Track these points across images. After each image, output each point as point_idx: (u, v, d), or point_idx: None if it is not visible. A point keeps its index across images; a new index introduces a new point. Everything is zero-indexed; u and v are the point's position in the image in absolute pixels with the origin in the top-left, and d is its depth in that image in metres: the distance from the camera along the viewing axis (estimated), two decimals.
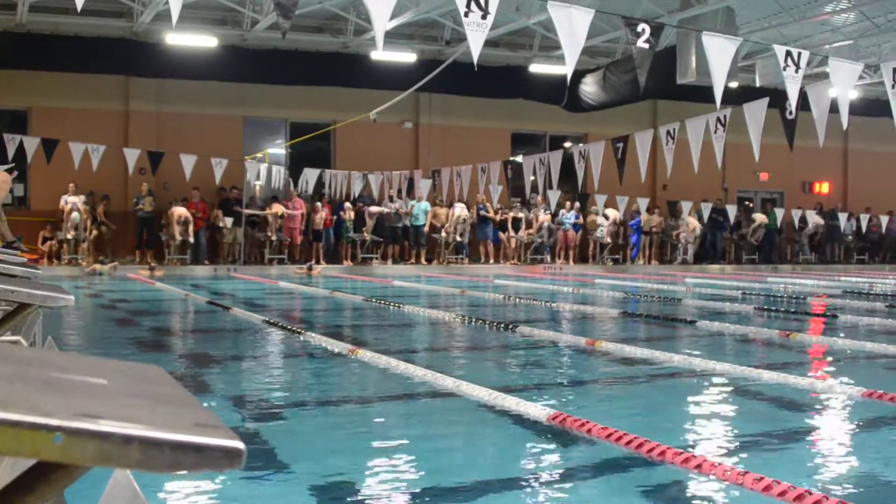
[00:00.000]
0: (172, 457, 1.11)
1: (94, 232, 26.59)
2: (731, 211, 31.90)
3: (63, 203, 26.09)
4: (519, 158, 26.01)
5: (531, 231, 30.90)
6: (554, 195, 28.17)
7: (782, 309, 15.57)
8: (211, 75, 28.23)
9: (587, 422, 5.72)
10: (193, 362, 9.25)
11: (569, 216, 31.29)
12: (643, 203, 30.49)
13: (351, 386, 8.08)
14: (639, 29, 12.46)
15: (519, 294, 18.31)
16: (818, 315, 14.97)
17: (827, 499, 4.15)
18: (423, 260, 29.65)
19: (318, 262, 27.64)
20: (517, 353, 10.41)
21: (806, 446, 5.93)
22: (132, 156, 25.34)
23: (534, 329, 11.77)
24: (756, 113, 16.43)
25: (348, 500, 4.54)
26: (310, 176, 28.72)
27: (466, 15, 10.57)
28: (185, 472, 1.13)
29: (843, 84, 14.43)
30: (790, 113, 15.77)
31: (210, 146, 27.02)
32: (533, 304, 16.43)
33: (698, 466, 4.86)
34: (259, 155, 29.05)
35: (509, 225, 30.94)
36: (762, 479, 4.42)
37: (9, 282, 4.29)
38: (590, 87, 28.94)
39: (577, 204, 31.31)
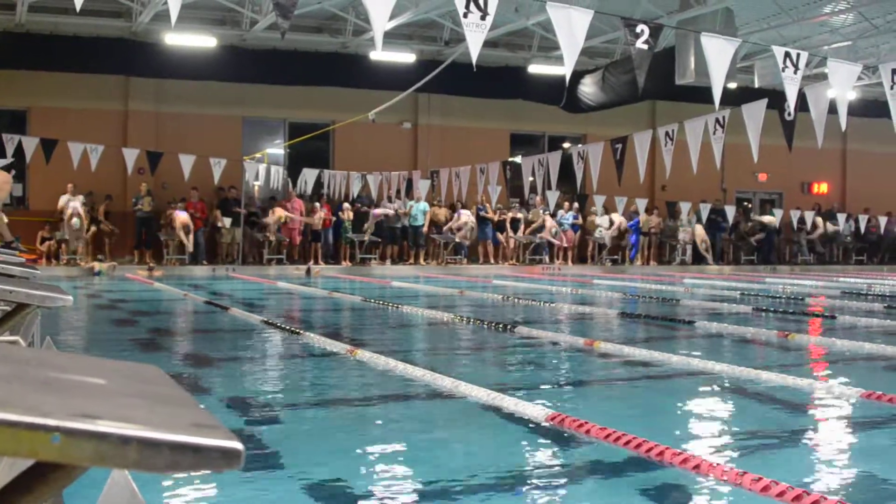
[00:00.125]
0: (170, 457, 1.11)
1: (93, 229, 26.56)
2: (730, 212, 31.88)
3: (62, 203, 26.08)
4: (518, 159, 26.01)
5: (539, 234, 30.85)
6: (553, 196, 28.15)
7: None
8: (210, 75, 28.21)
9: (585, 422, 5.72)
10: (192, 363, 9.26)
11: (567, 217, 31.29)
12: (642, 204, 30.48)
13: (349, 386, 8.08)
14: (638, 30, 12.46)
15: (517, 294, 18.30)
16: (817, 316, 14.98)
17: (825, 499, 4.15)
18: (421, 260, 29.65)
19: (316, 263, 27.63)
20: (516, 353, 10.41)
21: (804, 447, 5.94)
22: (131, 156, 25.30)
23: (532, 329, 11.77)
24: (755, 114, 16.42)
25: (347, 500, 4.54)
26: (308, 176, 28.70)
27: (465, 15, 10.57)
28: (183, 472, 1.13)
29: (842, 85, 14.43)
30: (789, 114, 15.77)
31: (209, 146, 27.00)
32: (531, 304, 16.43)
33: (697, 467, 4.86)
34: (258, 155, 29.03)
35: (507, 225, 30.94)
36: (760, 479, 4.42)
37: (7, 282, 4.29)
38: (589, 88, 28.93)
39: (576, 204, 31.32)
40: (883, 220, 33.98)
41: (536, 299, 17.02)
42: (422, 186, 29.00)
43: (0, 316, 4.46)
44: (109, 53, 27.20)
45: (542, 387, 7.91)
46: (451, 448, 5.70)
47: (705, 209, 31.11)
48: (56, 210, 26.34)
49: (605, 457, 5.31)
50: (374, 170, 29.31)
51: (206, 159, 25.90)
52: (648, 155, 20.04)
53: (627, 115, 29.78)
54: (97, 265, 24.48)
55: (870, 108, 28.67)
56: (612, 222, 31.08)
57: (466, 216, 29.38)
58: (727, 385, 7.91)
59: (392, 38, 26.43)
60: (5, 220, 16.05)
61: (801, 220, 32.34)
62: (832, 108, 15.10)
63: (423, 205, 29.65)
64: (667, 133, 18.87)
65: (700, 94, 18.71)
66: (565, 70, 11.89)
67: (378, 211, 28.81)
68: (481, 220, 30.37)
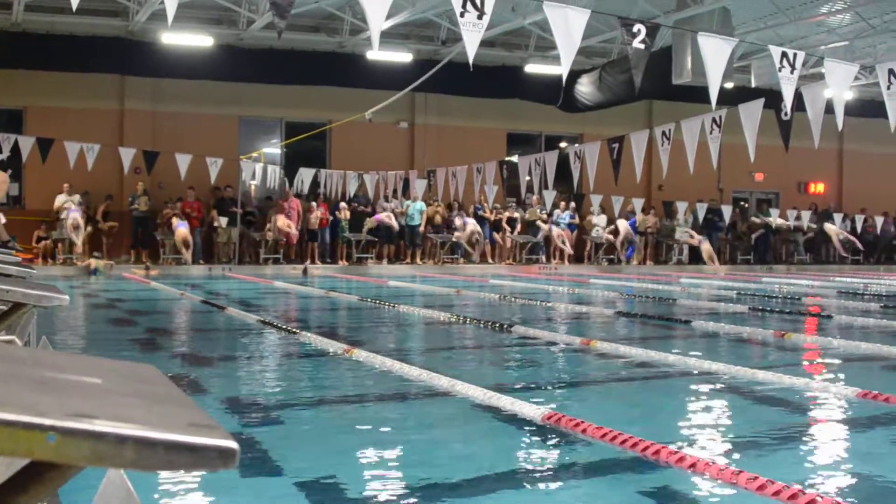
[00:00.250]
0: (166, 457, 1.11)
1: (89, 229, 26.54)
2: (727, 211, 31.92)
3: (58, 203, 26.10)
4: (514, 158, 26.01)
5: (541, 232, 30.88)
6: (549, 195, 28.16)
7: (777, 309, 15.58)
8: (206, 75, 28.21)
9: (581, 421, 5.73)
10: (188, 362, 9.25)
11: (563, 216, 31.31)
12: (638, 203, 30.49)
13: (346, 386, 8.07)
14: (634, 29, 12.46)
15: (514, 294, 18.30)
16: (813, 315, 14.99)
17: (821, 498, 4.16)
18: (418, 260, 29.66)
19: (313, 262, 27.62)
20: (512, 352, 10.42)
21: (800, 446, 5.94)
22: (127, 155, 25.27)
23: (529, 329, 11.77)
24: (751, 113, 16.44)
25: (343, 500, 4.54)
26: (305, 176, 28.68)
27: (462, 15, 10.57)
28: (179, 471, 1.13)
29: (839, 85, 14.44)
30: (785, 114, 15.77)
31: (205, 146, 27.00)
32: (528, 304, 16.43)
33: (692, 466, 4.86)
34: (255, 154, 29.02)
35: (504, 225, 30.97)
36: (756, 478, 4.43)
37: (3, 281, 4.28)
38: (585, 88, 28.93)
39: (573, 204, 31.34)
40: (879, 220, 34.01)
41: (533, 299, 17.02)
42: (418, 186, 29.00)
43: None
44: (106, 53, 27.20)
45: (539, 386, 7.91)
46: (447, 448, 5.70)
47: (702, 209, 31.13)
48: (52, 210, 26.33)
49: (602, 456, 5.31)
50: (371, 169, 29.31)
51: (203, 159, 25.90)
52: (645, 154, 20.06)
53: (624, 114, 29.81)
54: (94, 262, 24.44)
55: (866, 108, 28.69)
56: (617, 231, 30.99)
57: (473, 225, 29.34)
58: (723, 385, 7.91)
59: (389, 37, 26.43)
60: (3, 219, 16.05)
61: (799, 218, 32.40)
62: (829, 108, 15.11)
63: (420, 204, 29.66)
64: (663, 133, 18.87)
65: (697, 94, 18.72)
66: (562, 69, 11.90)
67: (382, 216, 28.71)
68: (479, 220, 30.40)
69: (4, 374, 1.37)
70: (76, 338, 11.36)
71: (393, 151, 31.45)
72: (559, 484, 4.86)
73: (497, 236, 30.95)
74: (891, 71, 13.77)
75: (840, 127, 14.61)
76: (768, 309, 15.36)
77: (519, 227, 31.25)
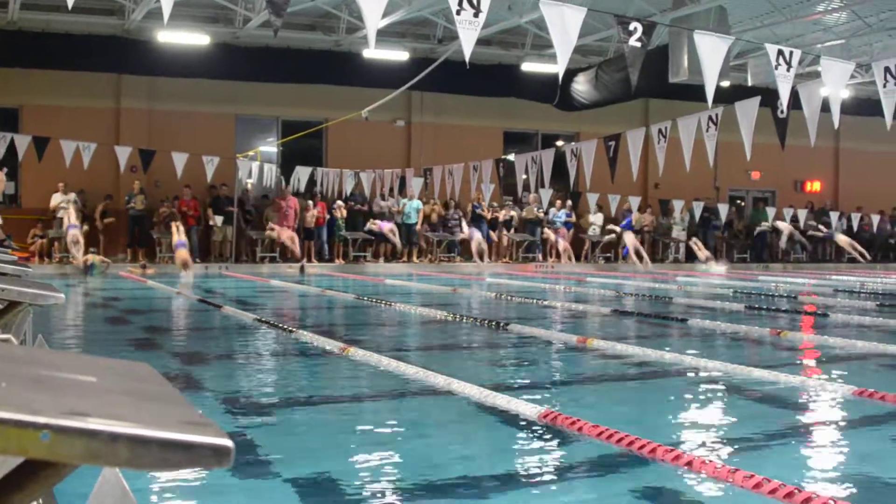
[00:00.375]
0: (160, 455, 1.11)
1: (85, 227, 26.51)
2: (723, 210, 31.94)
3: (54, 202, 26.10)
4: (511, 157, 26.01)
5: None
6: (546, 193, 28.15)
7: (773, 307, 15.58)
8: (203, 73, 28.16)
9: (578, 420, 5.73)
10: (185, 361, 9.24)
11: (559, 214, 31.32)
12: (635, 202, 30.48)
13: (342, 384, 8.06)
14: (631, 28, 12.46)
15: (511, 292, 18.30)
16: (809, 313, 15.00)
17: (817, 496, 4.16)
18: (415, 258, 29.66)
19: (309, 261, 27.60)
20: (509, 351, 10.42)
21: (796, 444, 5.95)
22: (123, 154, 25.23)
23: (525, 327, 11.77)
24: (748, 112, 16.44)
25: (339, 498, 4.54)
26: (302, 174, 28.66)
27: (458, 13, 10.56)
28: (173, 470, 1.13)
29: (835, 83, 14.44)
30: (781, 112, 15.78)
31: (202, 144, 26.98)
32: (525, 302, 16.43)
33: (689, 464, 4.87)
34: (251, 153, 29.00)
35: (500, 223, 31.01)
36: (752, 476, 4.43)
37: None
38: (582, 86, 28.93)
39: (570, 202, 31.35)
40: (875, 219, 34.04)
41: (530, 297, 17.03)
42: (415, 184, 28.99)
43: None
44: (102, 51, 27.16)
45: (535, 385, 7.92)
46: (444, 446, 5.70)
47: (698, 207, 31.15)
48: (48, 209, 26.31)
49: (598, 454, 5.32)
50: (368, 168, 29.28)
51: (199, 157, 25.88)
52: (641, 153, 20.09)
53: (621, 112, 29.81)
54: (91, 257, 24.36)
55: (863, 106, 28.67)
56: (622, 241, 30.85)
57: (477, 235, 29.29)
58: (719, 382, 7.92)
59: (385, 35, 26.41)
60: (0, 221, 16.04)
61: (794, 218, 32.39)
62: (825, 107, 15.11)
63: (417, 203, 29.68)
64: (660, 131, 18.88)
65: (693, 92, 18.75)
66: (558, 68, 11.89)
67: (385, 228, 28.50)
68: (476, 218, 30.43)
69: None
70: (72, 336, 11.35)
71: (389, 150, 31.44)
72: (556, 482, 4.86)
73: (493, 234, 30.95)
74: (887, 69, 13.78)
75: (836, 125, 14.62)
76: (764, 307, 15.36)
77: (515, 225, 31.28)
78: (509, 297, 17.23)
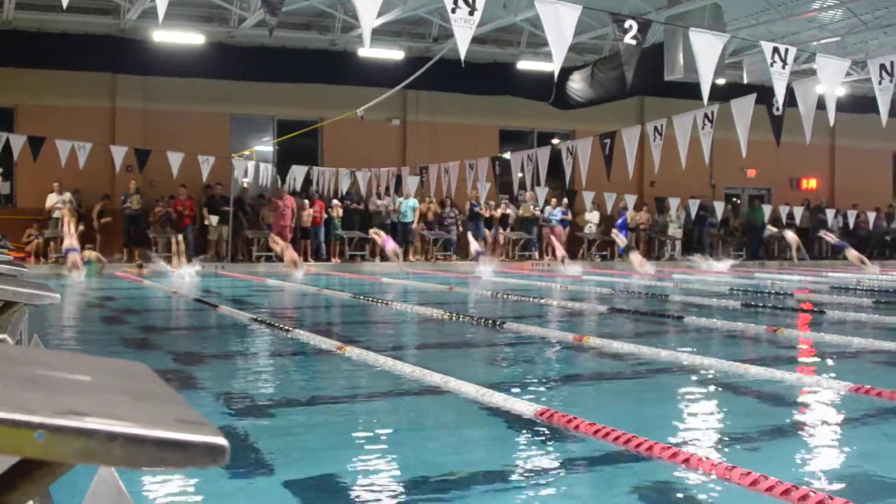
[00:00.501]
0: (155, 453, 1.11)
1: (80, 227, 26.50)
2: (719, 207, 31.96)
3: (50, 203, 26.11)
4: (507, 155, 26.02)
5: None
6: (542, 192, 28.16)
7: (770, 305, 15.59)
8: (198, 72, 28.13)
9: (574, 418, 5.73)
10: (181, 360, 9.24)
11: (555, 213, 31.33)
12: (631, 200, 30.48)
13: (338, 383, 8.07)
14: (626, 25, 12.46)
15: (507, 290, 18.29)
16: (805, 311, 15.01)
17: (814, 493, 4.16)
18: (411, 257, 29.65)
19: (305, 260, 27.54)
20: (505, 349, 10.42)
21: (793, 441, 5.95)
22: (119, 153, 25.21)
23: (521, 325, 11.77)
24: (743, 109, 16.45)
25: (335, 497, 4.54)
26: (297, 173, 28.65)
27: (453, 11, 10.56)
28: (168, 469, 1.13)
29: (830, 80, 14.45)
30: (777, 109, 15.80)
31: (197, 143, 26.95)
32: (521, 300, 16.43)
33: (686, 461, 4.87)
34: (247, 152, 28.98)
35: (497, 221, 31.03)
36: (749, 473, 4.43)
37: None
38: (577, 84, 28.95)
39: (566, 200, 31.37)
40: (871, 216, 34.07)
41: (526, 295, 17.03)
42: (411, 183, 28.99)
43: None
44: (97, 51, 27.14)
45: (531, 382, 7.92)
46: (440, 444, 5.70)
47: (694, 205, 31.17)
48: (44, 209, 26.30)
49: (594, 452, 5.32)
50: (363, 166, 29.27)
51: (195, 157, 25.86)
52: (637, 151, 20.08)
53: (616, 110, 29.81)
54: (87, 254, 24.30)
55: (858, 103, 28.72)
56: (627, 251, 30.76)
57: (474, 244, 29.28)
58: (716, 380, 7.92)
59: (380, 34, 26.39)
60: None
61: (791, 215, 32.41)
62: (821, 104, 15.13)
63: (413, 201, 29.70)
64: (655, 128, 18.90)
65: (689, 90, 18.74)
66: (554, 66, 11.90)
67: (389, 249, 28.24)
68: (473, 217, 30.46)
69: None
70: (69, 336, 11.34)
71: (385, 148, 31.43)
72: (552, 480, 4.87)
73: (488, 233, 30.96)
74: (882, 66, 13.80)
75: (832, 122, 14.63)
76: (760, 304, 15.37)
77: (511, 223, 31.32)
78: (505, 296, 17.22)
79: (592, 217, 31.88)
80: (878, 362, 9.44)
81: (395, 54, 28.59)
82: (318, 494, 4.59)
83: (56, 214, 26.04)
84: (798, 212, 32.70)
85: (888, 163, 39.66)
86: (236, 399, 7.07)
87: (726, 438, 5.89)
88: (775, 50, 13.50)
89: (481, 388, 6.92)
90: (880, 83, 13.72)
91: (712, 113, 17.38)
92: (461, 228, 30.85)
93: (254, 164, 28.59)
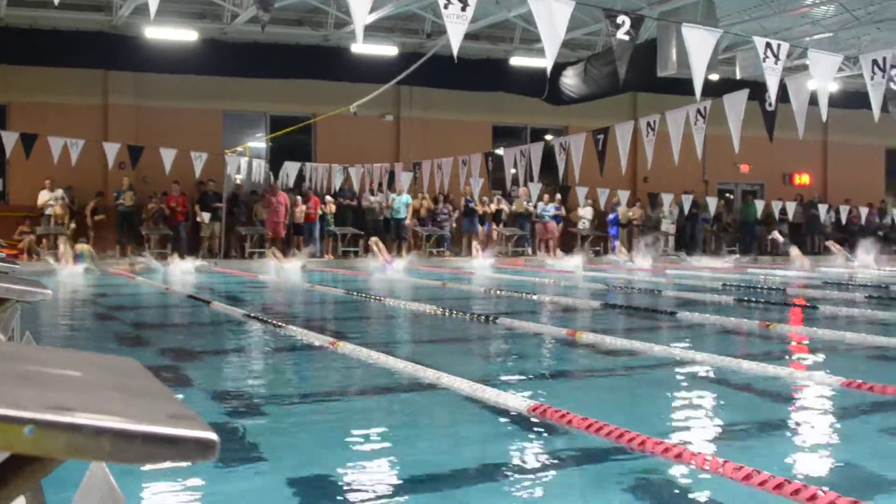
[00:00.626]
0: (145, 448, 1.11)
1: (72, 225, 26.49)
2: (712, 203, 31.98)
3: (42, 200, 26.09)
4: (500, 151, 26.00)
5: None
6: (535, 187, 28.16)
7: (762, 300, 15.60)
8: (190, 69, 28.10)
9: (567, 413, 5.73)
10: (174, 357, 9.23)
11: (548, 208, 31.34)
12: (624, 195, 30.47)
13: (331, 379, 8.07)
14: (619, 21, 12.45)
15: (501, 286, 18.30)
16: (798, 306, 15.04)
17: (806, 487, 4.17)
18: (404, 253, 29.63)
19: (291, 254, 27.44)
20: (498, 344, 10.43)
21: (786, 436, 5.96)
22: (112, 150, 25.16)
23: (514, 321, 11.78)
24: (736, 105, 16.45)
25: (329, 492, 4.54)
26: (290, 169, 28.63)
27: (446, 7, 10.55)
28: (158, 464, 1.13)
29: (823, 76, 14.47)
30: (770, 105, 15.79)
31: (190, 140, 26.91)
32: (514, 295, 16.44)
33: (678, 456, 4.87)
34: (239, 149, 28.95)
35: (491, 217, 31.04)
36: (742, 468, 4.44)
37: None
38: (570, 80, 28.94)
39: (559, 196, 31.38)
40: (864, 211, 34.12)
41: (519, 290, 17.03)
42: (404, 179, 28.97)
43: None
44: (89, 47, 27.09)
45: (525, 378, 7.92)
46: (433, 440, 5.70)
47: (687, 200, 31.19)
48: (36, 206, 26.27)
49: (588, 447, 5.32)
50: (357, 162, 29.25)
51: (188, 153, 25.81)
52: (630, 146, 20.08)
53: (609, 106, 29.81)
54: (80, 247, 24.25)
55: (851, 99, 28.72)
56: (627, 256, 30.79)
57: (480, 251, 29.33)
58: (708, 375, 7.93)
59: (373, 30, 26.38)
60: None
61: (783, 211, 32.44)
62: (813, 100, 15.13)
63: (406, 197, 29.69)
64: (648, 124, 18.88)
65: (682, 86, 18.74)
66: (547, 62, 11.89)
67: (384, 260, 28.04)
68: (468, 213, 30.47)
69: None
70: (61, 333, 11.33)
71: (378, 144, 31.42)
72: (545, 475, 4.87)
73: (481, 229, 30.97)
74: (875, 62, 13.81)
75: (824, 118, 14.64)
76: (753, 299, 15.39)
77: (505, 219, 31.33)
78: (499, 291, 17.22)
79: (586, 213, 31.90)
80: (871, 357, 9.44)
81: (388, 50, 28.57)
82: (311, 489, 4.59)
83: (48, 211, 26.04)
84: (791, 207, 32.72)
85: (880, 158, 39.70)
86: (229, 395, 7.07)
87: (719, 432, 5.90)
88: (768, 45, 13.51)
89: (474, 383, 6.92)
90: (872, 78, 13.74)
91: (705, 108, 17.37)
92: (454, 224, 30.87)
93: (247, 160, 28.55)
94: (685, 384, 7.75)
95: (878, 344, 9.91)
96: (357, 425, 6.04)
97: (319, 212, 29.00)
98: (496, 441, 5.60)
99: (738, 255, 31.90)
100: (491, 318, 12.03)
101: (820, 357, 9.47)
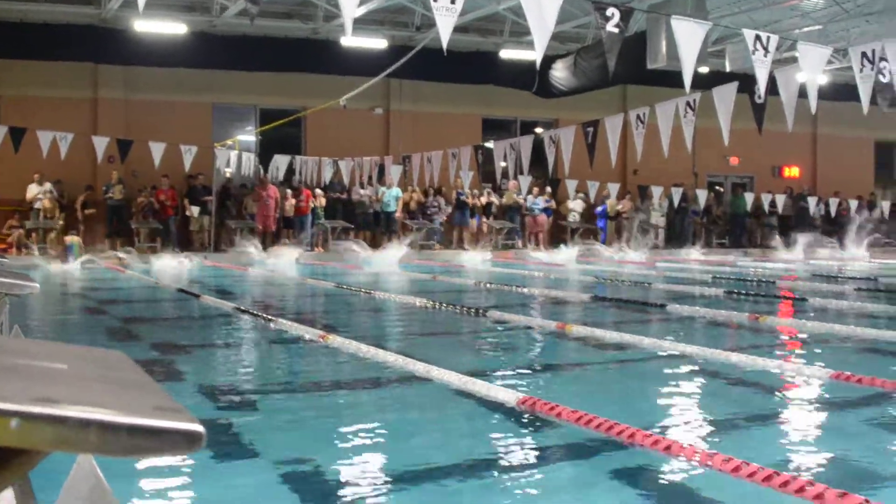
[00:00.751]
0: (130, 440, 1.11)
1: (61, 222, 26.44)
2: (702, 195, 32.03)
3: (31, 194, 26.03)
4: (489, 144, 25.98)
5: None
6: (525, 180, 28.18)
7: (752, 292, 15.63)
8: (180, 62, 28.05)
9: (557, 405, 5.74)
10: (164, 350, 9.21)
11: (537, 201, 31.35)
12: (614, 188, 30.48)
13: (322, 372, 8.07)
14: (608, 13, 12.46)
15: (490, 279, 18.31)
16: (788, 298, 15.07)
17: (795, 479, 4.18)
18: (394, 244, 29.62)
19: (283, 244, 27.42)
20: (488, 337, 10.43)
21: (775, 428, 5.98)
22: (101, 144, 25.12)
23: (504, 314, 11.79)
24: (725, 97, 16.47)
25: (319, 486, 4.54)
26: (280, 163, 28.61)
27: (435, 0, 10.54)
28: (145, 456, 1.13)
29: (812, 68, 14.49)
30: (759, 97, 15.82)
31: (179, 133, 26.87)
32: (504, 289, 16.45)
33: (668, 448, 4.88)
34: (229, 142, 28.91)
35: (481, 210, 31.05)
36: (731, 459, 4.45)
37: None
38: (560, 73, 28.94)
39: (549, 189, 31.39)
40: (854, 204, 34.20)
41: (509, 283, 17.04)
42: (394, 172, 28.96)
43: None
44: (79, 41, 27.02)
45: (515, 371, 7.93)
46: (423, 433, 5.71)
47: (677, 193, 31.23)
48: (25, 200, 26.21)
49: (577, 439, 5.33)
50: (346, 156, 29.24)
51: (177, 147, 25.78)
52: (620, 139, 20.12)
53: (599, 99, 29.83)
54: (69, 239, 24.18)
55: (840, 91, 28.74)
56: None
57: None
58: (698, 367, 7.95)
59: (363, 23, 26.38)
60: None
61: (773, 204, 32.51)
62: (802, 92, 15.16)
63: (396, 190, 29.68)
64: (638, 117, 18.91)
65: (671, 79, 18.74)
66: (536, 55, 11.89)
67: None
68: (460, 206, 30.47)
69: None
70: (51, 327, 11.31)
71: (368, 138, 31.40)
72: (535, 467, 4.88)
73: (472, 222, 30.99)
74: (864, 54, 13.85)
75: (814, 110, 14.69)
76: (743, 292, 15.41)
77: (495, 212, 31.35)
78: (489, 284, 17.23)
79: (576, 205, 31.92)
80: (860, 349, 9.46)
81: (377, 43, 28.54)
82: (301, 483, 4.59)
83: (37, 205, 25.99)
84: (780, 200, 32.80)
85: (870, 151, 39.80)
86: (221, 389, 7.07)
87: (708, 425, 5.92)
88: (757, 38, 13.52)
89: (464, 376, 6.93)
90: (861, 71, 13.77)
91: (695, 101, 17.39)
92: (445, 218, 30.86)
93: (236, 153, 28.52)
94: (675, 376, 7.76)
95: (867, 336, 9.93)
96: (347, 418, 6.05)
97: (311, 205, 28.97)
98: (486, 434, 5.60)
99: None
100: (481, 312, 12.04)
101: (809, 349, 9.49)
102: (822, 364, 7.85)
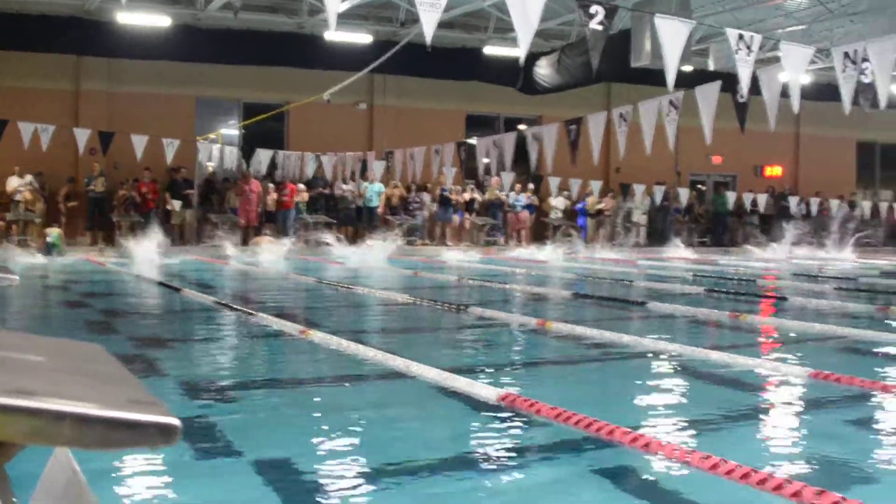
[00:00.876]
0: (106, 433, 1.11)
1: (42, 210, 26.35)
2: (684, 194, 32.11)
3: (11, 186, 25.92)
4: (472, 140, 26.01)
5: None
6: (507, 177, 28.21)
7: (733, 291, 15.68)
8: (163, 55, 27.96)
9: (536, 402, 5.75)
10: (144, 344, 9.18)
11: (520, 198, 31.38)
12: (596, 185, 30.52)
13: (302, 367, 8.06)
14: (592, 11, 12.49)
15: (472, 275, 18.31)
16: (768, 297, 15.12)
17: (772, 477, 4.20)
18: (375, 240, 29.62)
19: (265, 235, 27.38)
20: (468, 333, 10.44)
21: (753, 426, 5.99)
22: (83, 136, 25.06)
23: (485, 310, 11.80)
24: (708, 96, 16.54)
25: (299, 482, 4.54)
26: (263, 157, 28.57)
27: None
28: (120, 449, 1.13)
29: (795, 68, 14.55)
30: (742, 97, 15.88)
31: (162, 126, 26.80)
32: (485, 285, 16.46)
33: (646, 446, 4.90)
34: (212, 136, 28.85)
35: (462, 205, 31.08)
36: (709, 457, 4.46)
37: None
38: (544, 70, 28.97)
39: (531, 185, 31.43)
40: (835, 204, 34.34)
41: (490, 280, 17.05)
42: (376, 167, 28.94)
43: None
44: (61, 32, 26.90)
45: (495, 367, 7.93)
46: (403, 429, 5.70)
47: (659, 191, 31.31)
48: (4, 191, 26.10)
49: (557, 436, 5.34)
50: (329, 150, 29.23)
51: (159, 140, 25.73)
52: (603, 136, 20.16)
53: (583, 96, 29.87)
54: (50, 231, 24.03)
55: (823, 91, 28.86)
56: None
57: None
58: (678, 365, 7.97)
59: (347, 18, 26.35)
60: None
61: (755, 203, 32.63)
62: (785, 92, 15.22)
63: (378, 186, 29.66)
64: (621, 115, 18.98)
65: (655, 77, 18.77)
66: (520, 52, 11.91)
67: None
68: (443, 202, 30.47)
69: None
70: (30, 319, 11.27)
71: (351, 133, 31.38)
72: (514, 464, 4.88)
73: (455, 218, 31.00)
74: (846, 54, 13.91)
75: (796, 110, 14.75)
76: (724, 290, 15.46)
77: (477, 208, 31.37)
78: (470, 280, 17.24)
79: (558, 202, 31.96)
80: (839, 348, 9.50)
81: (362, 38, 28.51)
82: (281, 478, 4.58)
83: (17, 197, 25.87)
84: (762, 199, 32.90)
85: (852, 151, 39.99)
86: (200, 383, 7.05)
87: (687, 423, 5.93)
88: (740, 37, 13.57)
89: (444, 372, 6.93)
90: (844, 71, 13.83)
91: (678, 100, 17.46)
92: (427, 213, 30.86)
93: (219, 147, 28.46)
94: (655, 374, 7.78)
95: (846, 335, 9.97)
96: (327, 413, 6.04)
97: (295, 199, 28.93)
98: (465, 430, 5.60)
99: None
100: (462, 308, 12.05)
101: (789, 348, 9.52)
102: (802, 363, 7.89)
